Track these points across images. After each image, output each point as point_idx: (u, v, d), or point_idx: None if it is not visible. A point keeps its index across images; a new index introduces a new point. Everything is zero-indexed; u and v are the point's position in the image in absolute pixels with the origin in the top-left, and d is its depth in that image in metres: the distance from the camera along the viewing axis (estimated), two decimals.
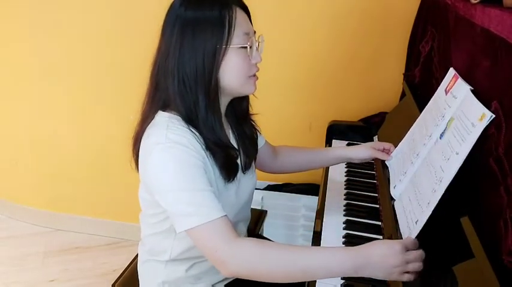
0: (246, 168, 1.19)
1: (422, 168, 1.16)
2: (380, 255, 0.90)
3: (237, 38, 1.04)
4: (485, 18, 1.06)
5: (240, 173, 1.16)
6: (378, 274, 0.90)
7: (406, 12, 1.87)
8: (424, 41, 1.67)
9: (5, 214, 2.70)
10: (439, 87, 1.28)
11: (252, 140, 1.23)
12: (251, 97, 1.20)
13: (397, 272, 0.89)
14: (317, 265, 0.92)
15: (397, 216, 1.15)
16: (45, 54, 2.32)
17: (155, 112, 1.09)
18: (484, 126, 0.95)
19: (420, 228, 1.00)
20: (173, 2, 1.07)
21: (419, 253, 0.92)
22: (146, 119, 1.10)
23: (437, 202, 0.97)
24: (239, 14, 1.05)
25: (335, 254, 0.93)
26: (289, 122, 2.17)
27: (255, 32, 1.11)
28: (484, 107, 0.98)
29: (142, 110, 1.13)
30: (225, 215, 0.98)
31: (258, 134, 1.30)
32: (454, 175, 0.97)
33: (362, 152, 1.36)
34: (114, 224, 2.52)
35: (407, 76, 1.81)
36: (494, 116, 0.94)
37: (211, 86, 1.04)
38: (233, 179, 1.12)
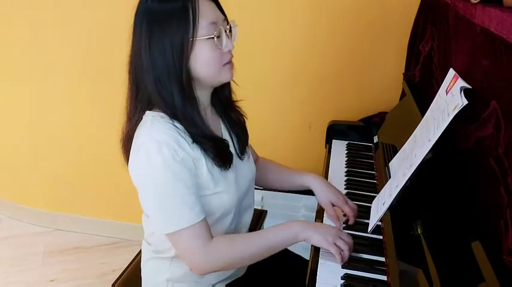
0: (241, 153, 1.20)
1: (404, 160, 1.21)
2: (321, 225, 1.16)
3: (202, 30, 1.02)
4: (485, 18, 1.06)
5: (236, 160, 1.17)
6: (316, 236, 1.07)
7: (406, 11, 1.87)
8: (424, 40, 1.67)
9: (5, 214, 2.71)
10: (440, 88, 1.28)
11: (240, 124, 1.24)
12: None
13: (330, 239, 1.07)
14: (279, 239, 1.09)
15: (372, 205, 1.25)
16: (46, 54, 2.32)
17: (142, 111, 1.09)
18: (454, 115, 0.99)
19: (386, 209, 1.10)
20: None
21: (350, 238, 1.10)
22: (131, 118, 1.11)
23: (403, 184, 1.07)
24: (203, 4, 1.03)
25: (288, 226, 1.10)
26: (289, 121, 2.17)
27: (225, 18, 1.09)
28: (463, 98, 1.00)
29: (127, 110, 1.13)
30: (204, 219, 1.05)
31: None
32: (421, 160, 1.05)
33: (322, 199, 1.29)
34: (114, 224, 2.52)
35: (407, 76, 1.81)
36: (465, 103, 0.97)
37: (183, 79, 1.03)
38: (229, 166, 1.13)
